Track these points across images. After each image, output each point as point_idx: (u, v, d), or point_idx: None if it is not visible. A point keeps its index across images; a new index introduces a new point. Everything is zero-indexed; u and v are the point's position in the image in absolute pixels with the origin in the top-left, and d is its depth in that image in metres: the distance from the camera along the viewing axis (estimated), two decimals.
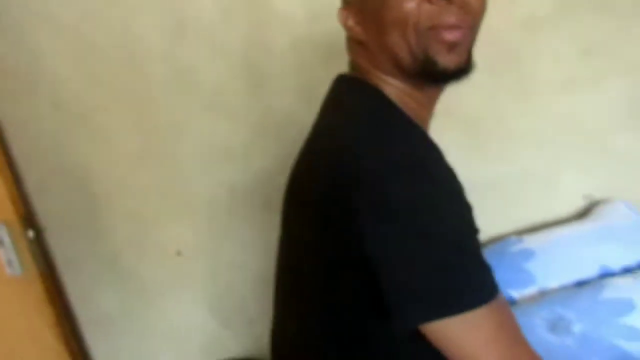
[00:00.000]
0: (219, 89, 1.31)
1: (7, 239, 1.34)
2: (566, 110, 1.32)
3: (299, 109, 1.31)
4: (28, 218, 1.37)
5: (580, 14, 1.26)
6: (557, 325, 0.95)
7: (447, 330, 0.55)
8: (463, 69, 0.65)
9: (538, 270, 1.12)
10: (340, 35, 1.25)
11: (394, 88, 0.68)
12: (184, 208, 1.38)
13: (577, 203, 1.36)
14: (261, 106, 1.31)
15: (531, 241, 1.21)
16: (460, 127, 1.29)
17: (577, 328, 0.94)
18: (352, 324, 0.64)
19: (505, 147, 1.33)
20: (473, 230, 0.59)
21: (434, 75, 0.64)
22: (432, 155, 0.61)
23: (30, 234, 1.36)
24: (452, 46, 0.63)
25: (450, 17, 0.61)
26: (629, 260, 1.14)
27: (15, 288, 1.36)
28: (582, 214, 1.34)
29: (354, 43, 0.71)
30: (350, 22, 0.69)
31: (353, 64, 0.74)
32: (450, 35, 0.62)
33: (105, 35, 1.28)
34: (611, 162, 1.35)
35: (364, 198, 0.56)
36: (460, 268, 0.55)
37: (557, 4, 1.24)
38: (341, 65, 1.28)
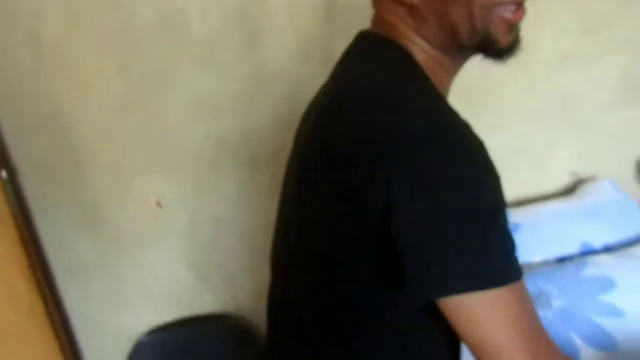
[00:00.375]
0: (209, 40, 1.25)
1: None
2: (562, 86, 1.30)
3: (292, 67, 1.27)
4: (2, 158, 1.31)
5: None
6: (538, 299, 0.96)
7: (468, 307, 0.52)
8: (516, 48, 0.66)
9: (522, 244, 1.12)
10: None
11: (424, 53, 0.66)
12: (167, 160, 1.34)
13: (564, 180, 1.36)
14: (253, 61, 1.26)
15: (518, 215, 1.21)
16: (455, 95, 1.26)
17: (557, 303, 0.95)
18: (367, 294, 0.62)
19: (499, 118, 1.31)
20: (503, 204, 0.57)
21: (491, 51, 0.65)
22: (464, 125, 0.58)
23: (3, 174, 1.31)
24: (512, 25, 0.64)
25: None
26: (610, 239, 1.15)
27: None
28: (569, 190, 1.34)
29: (392, 1, 0.65)
30: None
31: (380, 21, 0.69)
32: (514, 16, 0.63)
33: None
34: (600, 141, 1.34)
35: (399, 165, 0.53)
36: (490, 245, 0.53)
37: None
38: (339, 25, 1.25)
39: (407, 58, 0.65)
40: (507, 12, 0.62)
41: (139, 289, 1.46)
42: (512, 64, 1.25)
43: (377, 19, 0.69)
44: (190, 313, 1.46)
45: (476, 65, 1.21)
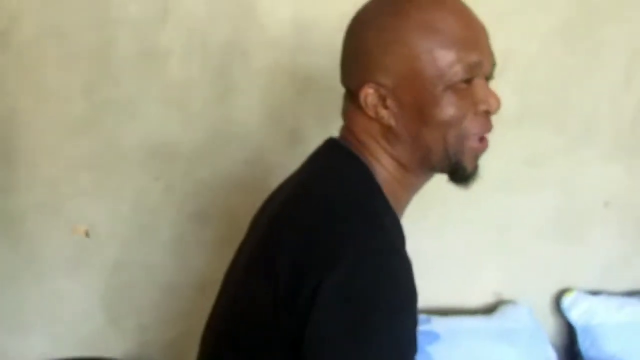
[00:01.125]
0: (184, 84, 1.25)
1: None
2: (499, 209, 1.38)
3: (258, 130, 1.29)
4: None
5: (528, 127, 1.34)
6: None
7: None
8: (477, 174, 0.69)
9: (438, 355, 1.16)
10: (320, 72, 1.26)
11: (387, 173, 0.68)
12: (108, 192, 1.30)
13: (487, 297, 1.42)
14: (220, 117, 1.27)
15: (439, 324, 1.24)
16: None
17: None
18: None
19: (436, 225, 1.37)
20: (414, 348, 0.58)
21: (458, 176, 0.68)
22: (398, 251, 0.60)
23: None
24: (479, 154, 0.68)
25: (489, 128, 0.66)
26: None
27: None
28: (490, 309, 1.40)
29: (366, 119, 0.66)
30: (375, 102, 0.64)
31: (350, 135, 0.70)
32: (481, 145, 0.66)
33: None
34: (526, 267, 1.43)
35: (332, 277, 0.55)
36: None
37: (511, 116, 1.29)
38: (314, 100, 1.29)
39: (368, 175, 0.66)
40: (475, 142, 0.66)
41: (42, 317, 1.36)
42: None
43: (347, 132, 0.71)
44: (91, 354, 1.36)
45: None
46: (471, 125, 0.64)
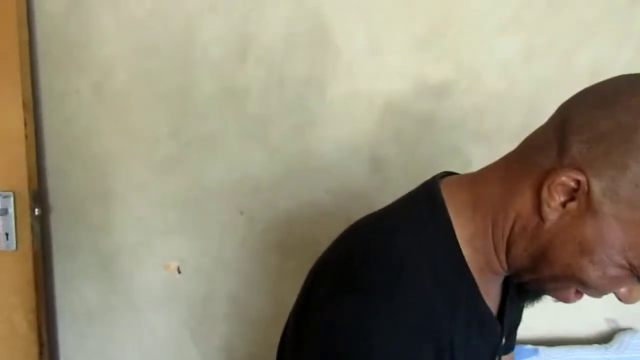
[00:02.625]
0: (263, 118, 1.27)
1: (11, 210, 1.31)
2: None
3: (338, 160, 1.27)
4: (39, 194, 1.33)
5: None
6: None
7: None
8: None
9: None
10: (396, 97, 1.24)
11: (493, 251, 0.58)
12: (197, 226, 1.33)
13: (600, 326, 1.29)
14: (301, 148, 1.27)
15: (548, 355, 1.13)
16: None
17: None
18: None
19: None
20: None
21: (528, 297, 0.64)
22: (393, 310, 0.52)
23: (37, 211, 1.32)
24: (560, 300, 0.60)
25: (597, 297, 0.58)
26: None
27: (2, 263, 1.31)
28: (605, 339, 1.26)
29: (525, 188, 0.53)
30: (559, 192, 0.50)
31: (488, 190, 0.57)
32: (570, 300, 0.58)
33: (166, 35, 1.27)
34: None
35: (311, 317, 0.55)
36: None
37: None
38: (392, 127, 1.26)
39: (447, 236, 0.57)
40: (569, 296, 0.57)
41: (136, 349, 1.40)
42: None
43: (475, 183, 0.59)
44: None
45: None
46: (592, 280, 0.52)
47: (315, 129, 1.27)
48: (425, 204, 0.59)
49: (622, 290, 0.54)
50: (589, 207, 0.49)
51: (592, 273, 0.51)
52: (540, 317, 1.28)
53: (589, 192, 0.49)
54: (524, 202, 0.53)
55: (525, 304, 0.64)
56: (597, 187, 0.48)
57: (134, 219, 1.34)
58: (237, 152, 1.29)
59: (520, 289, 0.63)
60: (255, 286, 1.34)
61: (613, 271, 0.51)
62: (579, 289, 0.55)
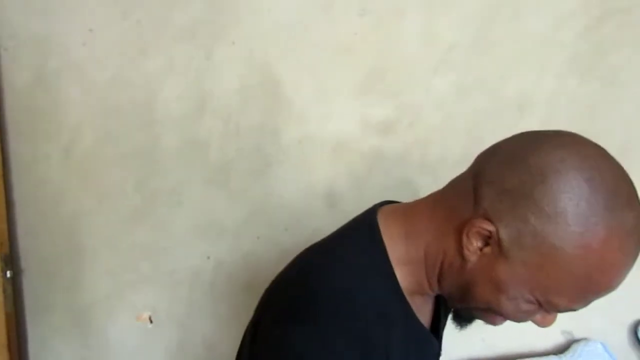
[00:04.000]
0: (224, 167, 1.36)
1: None
2: None
3: (296, 201, 1.36)
4: (10, 257, 1.36)
5: None
6: None
7: None
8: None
9: None
10: (347, 137, 1.35)
11: (424, 273, 0.65)
12: (166, 275, 1.38)
13: (556, 338, 1.35)
14: (261, 191, 1.35)
15: None
16: None
17: None
18: None
19: None
20: None
21: (461, 322, 0.69)
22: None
23: (8, 273, 1.35)
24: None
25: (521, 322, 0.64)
26: None
27: None
28: (561, 350, 1.32)
29: (448, 230, 0.60)
30: (476, 242, 0.58)
31: (420, 224, 0.64)
32: (498, 324, 0.66)
33: (128, 97, 1.36)
34: (596, 302, 1.35)
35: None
36: None
37: None
38: (345, 166, 1.36)
39: (383, 266, 0.64)
40: (497, 322, 0.65)
41: None
42: None
43: (410, 216, 0.66)
44: None
45: None
46: (516, 315, 0.60)
47: (273, 172, 1.35)
48: (362, 232, 0.67)
49: (537, 317, 0.62)
50: (501, 253, 0.56)
51: (509, 308, 0.59)
52: (500, 334, 1.35)
53: (499, 240, 0.56)
54: (449, 242, 0.60)
55: (459, 327, 0.70)
56: (505, 235, 0.55)
57: (104, 272, 1.38)
58: (201, 199, 1.36)
59: (454, 314, 0.70)
60: (227, 328, 1.37)
61: (525, 306, 0.58)
62: (493, 305, 0.61)
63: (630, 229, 0.53)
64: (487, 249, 0.57)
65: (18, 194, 1.40)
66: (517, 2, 1.31)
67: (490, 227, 0.56)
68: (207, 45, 1.33)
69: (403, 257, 0.64)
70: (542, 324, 0.62)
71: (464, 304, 0.64)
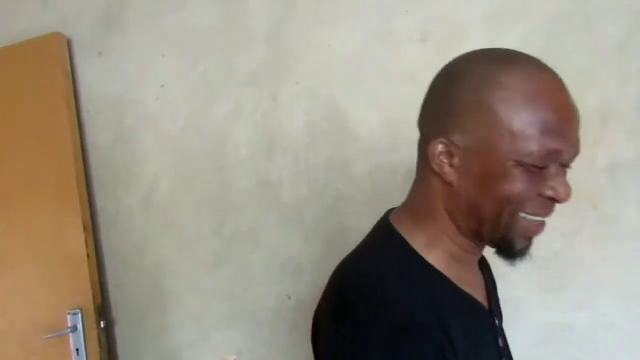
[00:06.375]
0: (297, 205, 1.36)
1: (80, 326, 1.40)
2: None
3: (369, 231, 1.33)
4: (103, 309, 1.43)
5: None
6: None
7: None
8: (526, 253, 0.66)
9: None
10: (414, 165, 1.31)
11: (442, 231, 0.67)
12: (249, 315, 1.39)
13: None
14: (336, 226, 1.34)
15: None
16: (536, 270, 1.24)
17: None
18: None
19: (583, 292, 1.25)
20: None
21: (504, 252, 0.65)
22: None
23: (102, 324, 1.41)
24: (532, 236, 0.65)
25: (549, 212, 0.63)
26: None
27: None
28: None
29: (430, 172, 0.66)
30: (446, 162, 0.63)
31: (414, 189, 0.72)
32: (536, 229, 0.64)
33: (200, 144, 1.41)
34: None
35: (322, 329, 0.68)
36: None
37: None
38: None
39: (402, 254, 0.66)
40: (531, 224, 0.63)
41: None
42: (597, 236, 1.25)
43: (412, 191, 0.72)
44: None
45: (556, 239, 1.23)
46: (532, 206, 0.61)
47: (346, 206, 1.34)
48: (382, 236, 0.71)
49: (548, 193, 0.61)
50: (466, 151, 0.62)
51: (510, 186, 0.60)
52: (596, 356, 1.24)
53: (456, 145, 0.62)
54: (435, 185, 0.66)
55: (511, 262, 0.66)
56: (456, 137, 0.62)
57: (189, 317, 1.42)
58: (277, 239, 1.37)
59: (498, 253, 0.67)
60: None
61: (523, 176, 0.60)
62: (519, 209, 0.61)
63: (539, 64, 0.62)
64: (456, 160, 0.63)
65: (106, 247, 1.47)
66: (587, 9, 1.24)
67: (443, 140, 0.63)
68: (272, 87, 1.36)
69: (424, 240, 0.67)
70: (558, 195, 0.61)
71: (490, 227, 0.64)
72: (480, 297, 0.70)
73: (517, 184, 0.60)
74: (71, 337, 1.41)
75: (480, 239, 0.66)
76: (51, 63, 1.48)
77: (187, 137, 1.43)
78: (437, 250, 0.66)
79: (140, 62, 1.47)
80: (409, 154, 1.29)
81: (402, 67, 1.29)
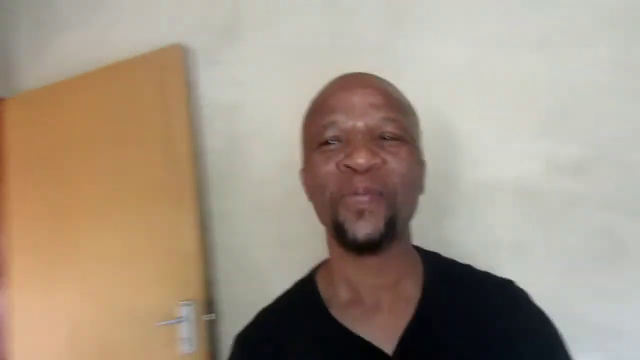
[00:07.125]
0: None
1: (190, 317, 1.50)
2: None
3: (480, 251, 1.28)
4: (211, 302, 1.52)
5: None
6: None
7: None
8: (376, 241, 0.61)
9: None
10: (532, 181, 1.23)
11: (335, 254, 0.72)
12: None
13: None
14: (440, 241, 1.30)
15: None
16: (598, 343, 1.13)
17: None
18: None
19: None
20: None
21: (345, 243, 0.62)
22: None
23: (210, 316, 1.50)
24: (360, 213, 0.60)
25: (358, 184, 0.60)
26: None
27: None
28: None
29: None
30: (305, 184, 0.71)
31: None
32: (356, 201, 0.60)
33: None
34: None
35: None
36: None
37: None
38: (531, 211, 1.24)
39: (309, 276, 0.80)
40: (349, 200, 0.61)
41: None
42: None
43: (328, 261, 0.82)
44: None
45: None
46: (336, 183, 0.62)
47: (451, 221, 1.30)
48: (301, 279, 0.81)
49: (345, 161, 0.62)
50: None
51: (316, 170, 0.64)
52: None
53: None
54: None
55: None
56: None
57: None
58: None
59: (344, 244, 0.64)
60: None
61: (316, 158, 0.65)
62: (327, 193, 0.64)
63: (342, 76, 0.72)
64: (300, 177, 0.74)
65: (218, 244, 1.56)
66: None
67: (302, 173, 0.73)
68: None
69: (327, 284, 0.74)
70: (352, 153, 0.61)
71: (325, 221, 0.66)
72: (384, 339, 0.64)
73: (316, 167, 0.65)
74: (181, 325, 1.51)
75: (333, 237, 0.66)
76: (171, 73, 1.60)
77: (292, 146, 1.46)
78: (337, 289, 0.72)
79: (252, 70, 1.54)
80: (521, 168, 1.23)
81: (516, 75, 1.23)
